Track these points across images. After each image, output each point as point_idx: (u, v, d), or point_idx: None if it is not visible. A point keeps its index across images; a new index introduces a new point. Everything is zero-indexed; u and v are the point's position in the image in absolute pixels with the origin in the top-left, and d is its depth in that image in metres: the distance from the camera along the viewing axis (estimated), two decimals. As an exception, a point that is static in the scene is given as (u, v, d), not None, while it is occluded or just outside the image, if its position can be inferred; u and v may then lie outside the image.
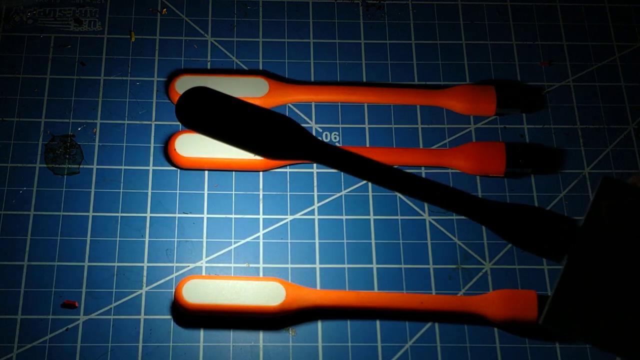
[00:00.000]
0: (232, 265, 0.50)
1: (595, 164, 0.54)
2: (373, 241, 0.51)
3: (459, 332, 0.49)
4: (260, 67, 0.55)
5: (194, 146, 0.51)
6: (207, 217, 0.51)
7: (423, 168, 0.53)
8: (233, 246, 0.50)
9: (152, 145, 0.52)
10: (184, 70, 0.55)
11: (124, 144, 0.52)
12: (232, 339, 0.48)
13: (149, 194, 0.51)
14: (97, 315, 0.48)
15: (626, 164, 0.54)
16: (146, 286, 0.49)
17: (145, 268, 0.49)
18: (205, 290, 0.47)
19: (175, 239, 0.50)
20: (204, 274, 0.49)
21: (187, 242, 0.50)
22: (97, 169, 0.52)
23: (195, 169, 0.52)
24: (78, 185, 0.51)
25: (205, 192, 0.51)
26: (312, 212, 0.51)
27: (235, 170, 0.52)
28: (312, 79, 0.55)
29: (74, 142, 0.52)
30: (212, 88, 0.38)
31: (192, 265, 0.50)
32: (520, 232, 0.35)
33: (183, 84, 0.53)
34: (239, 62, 0.55)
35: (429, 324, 0.49)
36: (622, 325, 0.33)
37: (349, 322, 0.49)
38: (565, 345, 0.48)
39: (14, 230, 0.50)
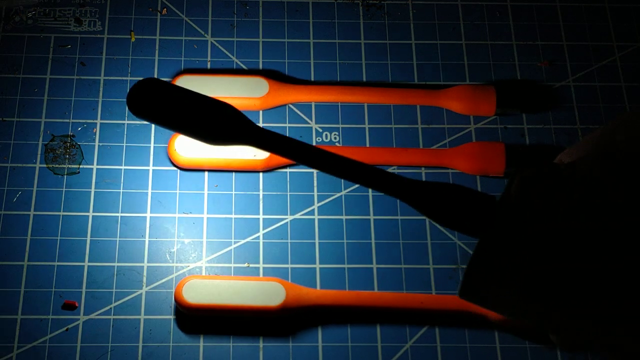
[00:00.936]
0: (232, 265, 0.50)
1: (595, 164, 0.53)
2: (373, 241, 0.51)
3: (459, 333, 0.49)
4: (260, 67, 0.55)
5: (194, 146, 0.51)
6: (207, 217, 0.51)
7: (423, 168, 0.53)
8: (233, 246, 0.50)
9: (152, 145, 0.52)
10: (184, 70, 0.55)
11: (124, 144, 0.52)
12: (232, 339, 0.48)
13: (149, 194, 0.51)
14: (97, 315, 0.48)
15: (626, 164, 0.54)
16: (146, 286, 0.49)
17: (145, 268, 0.49)
18: (205, 290, 0.47)
19: (175, 239, 0.50)
20: (204, 274, 0.49)
21: (187, 242, 0.50)
22: (97, 169, 0.52)
23: (195, 169, 0.52)
24: (78, 185, 0.51)
25: (205, 192, 0.51)
26: (312, 212, 0.51)
27: (235, 171, 0.52)
28: (312, 79, 0.55)
29: (74, 142, 0.52)
30: (163, 80, 0.41)
31: (192, 265, 0.50)
32: (440, 209, 0.37)
33: (183, 84, 0.53)
34: (239, 62, 0.55)
35: (429, 324, 0.49)
36: (530, 297, 0.35)
37: (348, 322, 0.49)
38: (565, 345, 0.48)
39: (14, 230, 0.50)
